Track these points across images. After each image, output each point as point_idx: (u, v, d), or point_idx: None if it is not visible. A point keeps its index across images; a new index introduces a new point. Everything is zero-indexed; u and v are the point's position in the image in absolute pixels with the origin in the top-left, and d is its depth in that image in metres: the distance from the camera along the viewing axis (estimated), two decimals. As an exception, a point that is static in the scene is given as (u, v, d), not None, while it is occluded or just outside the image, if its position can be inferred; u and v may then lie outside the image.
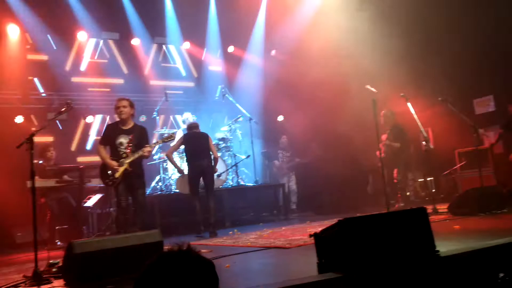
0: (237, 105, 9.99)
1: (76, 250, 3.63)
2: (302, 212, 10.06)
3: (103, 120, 10.48)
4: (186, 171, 7.73)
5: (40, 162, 7.64)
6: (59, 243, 7.43)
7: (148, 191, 9.19)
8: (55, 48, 10.09)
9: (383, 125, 8.79)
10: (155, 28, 11.22)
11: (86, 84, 10.51)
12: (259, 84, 11.77)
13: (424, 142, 7.50)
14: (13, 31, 9.57)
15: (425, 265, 2.91)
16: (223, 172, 8.83)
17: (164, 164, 9.12)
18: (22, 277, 4.23)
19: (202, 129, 9.39)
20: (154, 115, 9.55)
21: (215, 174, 8.08)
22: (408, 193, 9.24)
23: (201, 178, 7.46)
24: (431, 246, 3.03)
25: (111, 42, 10.96)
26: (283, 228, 6.96)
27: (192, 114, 9.88)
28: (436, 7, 9.00)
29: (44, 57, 9.96)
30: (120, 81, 10.88)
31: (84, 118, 10.34)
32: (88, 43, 10.66)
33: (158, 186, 9.01)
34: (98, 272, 3.67)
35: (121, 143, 6.12)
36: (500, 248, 3.25)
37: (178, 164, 9.03)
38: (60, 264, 4.20)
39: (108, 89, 10.72)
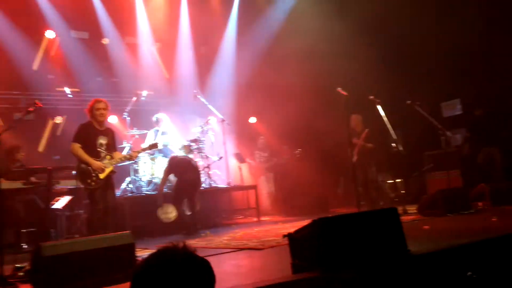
0: (209, 106, 9.95)
1: (45, 253, 3.53)
2: (275, 213, 10.07)
3: (72, 120, 10.24)
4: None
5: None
6: (25, 246, 7.22)
7: (118, 193, 9.05)
8: (21, 46, 9.81)
9: (354, 128, 8.94)
10: (125, 27, 11.06)
11: (55, 84, 10.26)
12: (231, 85, 11.75)
13: (393, 144, 7.65)
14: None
15: (397, 264, 2.95)
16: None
17: (135, 165, 9.00)
18: (-13, 282, 4.10)
19: (173, 130, 9.39)
20: (125, 116, 9.40)
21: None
22: (376, 195, 9.39)
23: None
24: (402, 246, 3.08)
25: (80, 41, 10.74)
26: (256, 229, 6.97)
27: (164, 115, 9.80)
28: (406, 12, 9.17)
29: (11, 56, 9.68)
30: (90, 81, 10.67)
31: (52, 119, 10.09)
32: (56, 42, 10.42)
33: (128, 188, 8.88)
34: (68, 275, 3.59)
35: (101, 144, 6.03)
36: (468, 247, 3.34)
37: (149, 165, 8.96)
38: (27, 268, 4.08)
39: (77, 89, 10.50)
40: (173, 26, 11.60)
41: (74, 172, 6.34)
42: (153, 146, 6.83)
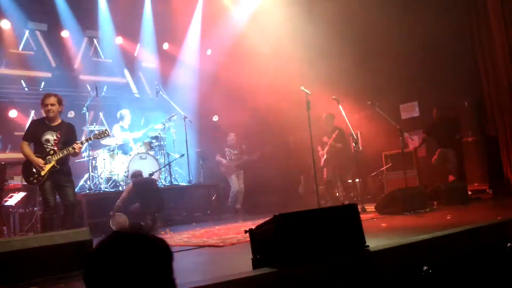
0: (172, 103, 9.85)
1: (-2, 249, 3.41)
2: (235, 212, 10.05)
3: (28, 114, 9.92)
4: None
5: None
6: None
7: (76, 190, 8.82)
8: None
9: (323, 127, 9.07)
10: (86, 20, 10.78)
11: (10, 77, 9.90)
12: (194, 82, 11.66)
13: (353, 144, 7.80)
14: None
15: (356, 259, 3.00)
16: (156, 171, 8.65)
17: (94, 162, 8.80)
18: None
19: (133, 127, 9.25)
20: (84, 111, 9.16)
21: (148, 174, 8.08)
22: (337, 194, 9.56)
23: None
24: (361, 241, 3.14)
25: (38, 33, 10.40)
26: (216, 227, 6.94)
27: (127, 110, 9.63)
28: (369, 14, 9.36)
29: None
30: (47, 74, 10.35)
31: (7, 112, 9.73)
32: (12, 33, 10.04)
33: (86, 185, 8.67)
34: (21, 273, 3.46)
35: (47, 140, 5.84)
36: (424, 243, 3.43)
37: (109, 162, 8.78)
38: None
39: (34, 83, 10.17)
40: (136, 20, 11.40)
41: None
42: (101, 134, 6.44)
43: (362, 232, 3.19)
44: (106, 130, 6.63)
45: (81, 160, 8.76)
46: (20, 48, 10.16)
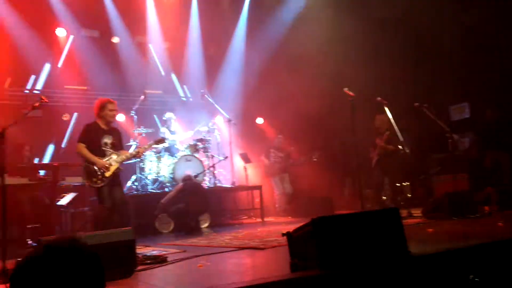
0: (216, 106, 9.96)
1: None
2: (277, 214, 10.03)
3: (79, 118, 10.31)
4: None
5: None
6: (30, 242, 7.26)
7: (123, 190, 9.08)
8: (32, 43, 9.90)
9: (377, 129, 8.90)
10: (135, 27, 11.12)
11: (63, 82, 10.33)
12: (239, 85, 11.75)
13: (400, 147, 7.60)
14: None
15: (397, 264, 2.92)
16: (200, 173, 8.78)
17: (141, 163, 9.02)
18: (-11, 275, 4.11)
19: (179, 129, 9.41)
20: (132, 114, 9.43)
21: (193, 174, 8.21)
22: (384, 198, 9.34)
23: None
24: (403, 246, 3.05)
25: (90, 40, 10.80)
26: (259, 229, 6.95)
27: (172, 114, 9.83)
28: (416, 14, 9.12)
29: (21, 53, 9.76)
30: (98, 79, 10.72)
31: (60, 116, 10.16)
32: (66, 39, 10.49)
33: (134, 186, 8.90)
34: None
35: (106, 143, 6.07)
36: (471, 250, 3.29)
37: (155, 164, 8.98)
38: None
39: (85, 87, 10.57)
40: (183, 25, 11.63)
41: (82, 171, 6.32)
42: (159, 141, 6.86)
43: (404, 237, 3.10)
44: (163, 138, 6.95)
45: (129, 162, 9.00)
46: (74, 54, 10.58)
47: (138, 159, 8.87)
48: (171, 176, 8.76)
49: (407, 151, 7.56)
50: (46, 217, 7.46)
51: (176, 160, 8.85)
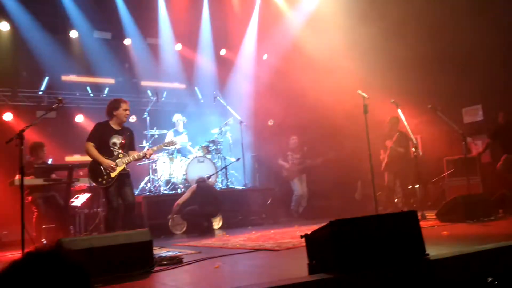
0: (228, 107, 10.00)
1: (65, 248, 3.58)
2: (297, 215, 10.03)
3: (93, 119, 10.39)
4: None
5: (28, 158, 7.57)
6: (45, 242, 7.34)
7: (136, 192, 9.15)
8: (46, 46, 10.01)
9: (388, 131, 8.89)
10: (147, 28, 11.19)
11: (77, 83, 10.43)
12: (250, 87, 11.78)
13: (413, 149, 7.58)
14: (4, 28, 9.50)
15: (415, 267, 2.92)
16: (213, 175, 8.82)
17: (154, 165, 9.08)
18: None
19: (191, 131, 9.45)
20: (145, 116, 9.50)
21: (205, 176, 8.25)
22: (396, 200, 9.32)
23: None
24: (421, 249, 3.05)
25: (103, 42, 10.89)
26: (272, 231, 6.95)
27: (182, 115, 9.86)
28: (428, 17, 9.09)
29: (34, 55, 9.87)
30: (111, 81, 10.82)
31: (74, 117, 10.26)
32: (79, 41, 10.59)
33: (147, 187, 8.97)
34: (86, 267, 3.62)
35: (114, 143, 6.08)
36: (489, 253, 3.28)
37: (168, 165, 9.03)
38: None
39: (98, 89, 10.66)
40: (195, 27, 11.70)
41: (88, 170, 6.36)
42: (170, 143, 6.90)
43: (422, 240, 3.10)
44: (173, 140, 6.95)
45: (142, 163, 9.07)
46: (86, 56, 10.67)
47: (151, 161, 8.94)
48: (184, 177, 8.80)
49: (420, 153, 7.53)
50: (61, 217, 7.55)
51: (188, 161, 8.89)
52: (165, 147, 7.01)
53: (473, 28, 8.74)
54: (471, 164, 8.66)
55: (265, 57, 12.40)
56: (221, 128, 9.71)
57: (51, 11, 9.83)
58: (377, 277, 2.78)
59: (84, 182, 7.87)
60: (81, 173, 8.15)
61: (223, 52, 12.32)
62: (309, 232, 3.17)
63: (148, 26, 11.16)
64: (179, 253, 4.85)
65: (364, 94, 6.86)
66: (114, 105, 6.17)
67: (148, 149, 6.37)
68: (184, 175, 8.81)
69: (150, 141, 9.24)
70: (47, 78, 10.18)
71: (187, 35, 11.68)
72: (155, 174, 9.02)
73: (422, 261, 2.99)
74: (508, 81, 8.88)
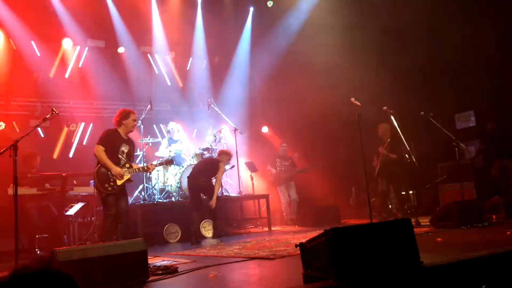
0: (223, 115, 10.01)
1: (60, 259, 3.57)
2: (285, 223, 10.04)
3: (86, 128, 10.39)
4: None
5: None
6: (38, 252, 7.29)
7: (131, 200, 9.12)
8: (39, 54, 10.00)
9: (380, 137, 8.94)
10: (141, 37, 11.20)
11: (70, 92, 10.39)
12: (244, 94, 11.80)
13: (406, 155, 7.61)
14: (-4, 37, 9.49)
15: (410, 275, 2.93)
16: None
17: (148, 173, 9.05)
18: (1, 286, 4.13)
19: (186, 139, 9.45)
20: (139, 124, 9.47)
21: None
22: (390, 206, 9.35)
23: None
24: (415, 257, 3.06)
25: (96, 50, 10.88)
26: (267, 239, 6.95)
27: (176, 123, 9.86)
28: (421, 24, 9.18)
29: (28, 64, 9.85)
30: (105, 89, 10.79)
31: (68, 126, 10.23)
32: (73, 50, 10.59)
33: (141, 196, 8.94)
34: (80, 281, 3.60)
35: (123, 152, 6.15)
36: (483, 260, 3.30)
37: (162, 173, 9.01)
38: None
39: (92, 97, 10.63)
40: (188, 35, 11.71)
41: (94, 174, 6.29)
42: (169, 162, 7.00)
43: (416, 247, 3.11)
44: (171, 159, 7.05)
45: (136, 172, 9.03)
46: (80, 65, 10.66)
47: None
48: (178, 185, 8.79)
49: (413, 159, 7.57)
50: (55, 227, 7.50)
51: (182, 169, 8.88)
52: (166, 165, 7.20)
53: (465, 36, 8.83)
54: (464, 170, 8.72)
55: (258, 64, 12.42)
56: (215, 136, 9.71)
57: (45, 19, 9.81)
58: (371, 286, 2.79)
59: (78, 191, 7.86)
60: (74, 182, 8.12)
61: (217, 59, 12.34)
62: (304, 241, 3.18)
63: (142, 34, 11.17)
64: (174, 262, 4.84)
65: (357, 102, 6.90)
66: (125, 114, 6.25)
67: (151, 164, 6.62)
68: (178, 183, 8.79)
69: (144, 150, 9.21)
70: (41, 86, 10.12)
71: (181, 43, 11.69)
72: (149, 183, 8.99)
73: (417, 269, 3.01)
74: (500, 87, 8.96)
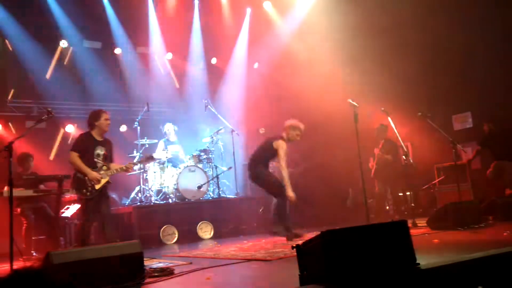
0: (220, 116, 9.99)
1: (55, 261, 3.54)
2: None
3: (83, 129, 10.33)
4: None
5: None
6: (34, 254, 7.26)
7: (127, 202, 9.11)
8: (35, 56, 9.96)
9: (376, 138, 8.94)
10: (138, 38, 11.18)
11: (67, 93, 10.36)
12: (241, 96, 11.79)
13: (403, 157, 7.61)
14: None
15: (406, 277, 2.92)
16: (204, 184, 8.79)
17: (145, 175, 9.03)
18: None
19: (183, 140, 9.40)
20: (135, 125, 9.46)
21: (196, 186, 8.21)
22: (387, 207, 9.35)
23: None
24: (411, 259, 3.05)
25: (93, 51, 10.86)
26: (264, 240, 6.94)
27: (173, 125, 9.84)
28: (419, 23, 9.19)
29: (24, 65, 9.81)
30: (101, 90, 10.76)
31: (63, 127, 10.19)
32: (69, 51, 10.56)
33: (138, 197, 8.91)
34: (76, 283, 3.59)
35: (98, 155, 6.09)
36: (479, 261, 3.29)
37: (159, 175, 8.98)
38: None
39: (88, 98, 10.60)
40: (185, 36, 11.70)
41: (71, 180, 6.26)
42: (149, 158, 6.99)
43: (412, 249, 3.10)
44: (151, 155, 7.06)
45: (133, 173, 9.02)
46: (77, 65, 10.62)
47: (141, 170, 8.90)
48: (175, 187, 8.76)
49: (410, 161, 7.57)
50: (51, 229, 7.47)
51: (179, 170, 8.86)
52: (146, 163, 7.11)
53: (463, 37, 8.85)
54: (461, 171, 8.73)
55: (256, 65, 12.43)
56: (212, 137, 9.69)
57: (41, 21, 9.78)
58: (368, 287, 2.78)
59: (74, 193, 7.82)
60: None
61: (214, 60, 12.33)
62: (300, 242, 3.17)
63: (139, 36, 11.15)
64: (170, 264, 4.82)
65: (354, 103, 6.88)
66: (96, 115, 6.18)
67: (130, 163, 6.45)
68: (175, 184, 8.77)
69: (141, 151, 9.19)
70: (35, 88, 10.09)
71: (178, 44, 11.67)
72: (146, 184, 8.97)
73: (413, 270, 3.00)
74: (497, 88, 8.98)
